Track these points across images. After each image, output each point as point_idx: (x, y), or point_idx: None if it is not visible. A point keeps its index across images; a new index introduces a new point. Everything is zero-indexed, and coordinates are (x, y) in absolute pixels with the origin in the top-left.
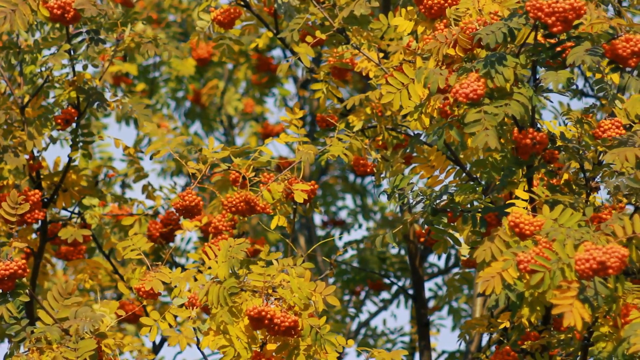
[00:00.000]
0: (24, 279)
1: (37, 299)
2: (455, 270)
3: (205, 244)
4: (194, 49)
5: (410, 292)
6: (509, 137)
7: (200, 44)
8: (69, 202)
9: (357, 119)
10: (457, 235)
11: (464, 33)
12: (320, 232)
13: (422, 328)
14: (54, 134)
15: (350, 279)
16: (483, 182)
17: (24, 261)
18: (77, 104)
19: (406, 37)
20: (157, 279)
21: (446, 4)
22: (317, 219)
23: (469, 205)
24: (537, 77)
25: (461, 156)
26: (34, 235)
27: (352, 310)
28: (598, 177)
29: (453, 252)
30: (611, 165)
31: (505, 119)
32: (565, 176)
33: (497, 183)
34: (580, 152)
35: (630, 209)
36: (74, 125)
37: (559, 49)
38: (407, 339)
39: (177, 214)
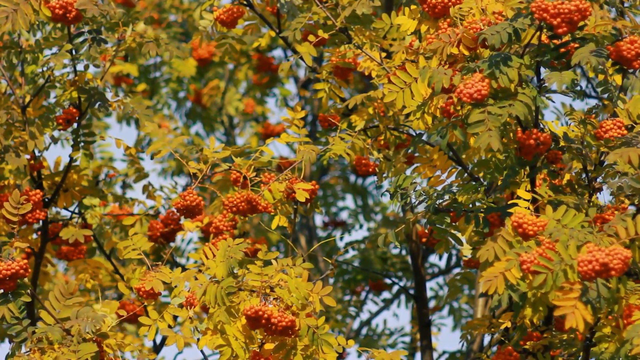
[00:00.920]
0: (26, 279)
1: (38, 299)
2: (457, 270)
3: (206, 244)
4: (195, 49)
5: (412, 291)
6: (512, 137)
7: (201, 44)
8: (69, 202)
9: (359, 118)
10: (459, 235)
11: (468, 32)
12: (321, 233)
13: (424, 328)
14: (55, 134)
15: (351, 279)
16: (485, 182)
17: (25, 261)
18: (78, 104)
19: (408, 36)
20: (157, 279)
21: (450, 3)
22: (318, 219)
23: (471, 205)
24: (541, 77)
25: (463, 156)
26: (34, 235)
27: (353, 310)
28: (600, 177)
29: (454, 252)
30: (614, 166)
31: (509, 119)
32: (568, 176)
33: (500, 183)
34: (583, 152)
35: (632, 209)
36: (75, 125)
37: (563, 50)
38: (407, 339)
39: (178, 214)
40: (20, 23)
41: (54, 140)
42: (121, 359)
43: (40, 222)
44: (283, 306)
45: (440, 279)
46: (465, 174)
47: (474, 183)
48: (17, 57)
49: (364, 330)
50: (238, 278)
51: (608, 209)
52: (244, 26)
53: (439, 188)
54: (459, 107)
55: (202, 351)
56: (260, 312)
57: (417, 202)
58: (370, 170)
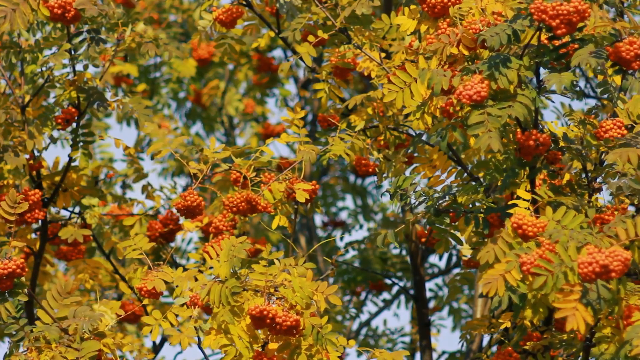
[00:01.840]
0: (23, 279)
1: (36, 298)
2: (456, 270)
3: (206, 244)
4: (194, 49)
5: (411, 292)
6: (512, 138)
7: (200, 44)
8: (69, 202)
9: (358, 118)
10: (458, 235)
11: (467, 32)
12: (321, 233)
13: (423, 328)
14: (55, 134)
15: (351, 279)
16: (485, 183)
17: (22, 260)
18: (77, 103)
19: (408, 37)
20: (159, 279)
21: (449, 3)
22: (318, 219)
23: (470, 206)
24: (541, 78)
25: (462, 156)
26: (33, 235)
27: (352, 311)
28: (600, 177)
29: (454, 252)
30: (614, 166)
31: (508, 120)
32: (567, 177)
33: (500, 184)
34: (583, 152)
35: (632, 210)
36: (74, 125)
37: (562, 51)
38: (407, 339)
39: (178, 214)
40: (19, 23)
41: (53, 140)
42: (119, 359)
43: (40, 222)
44: (287, 306)
45: (439, 280)
46: (465, 174)
47: (473, 183)
48: (17, 57)
49: (364, 331)
50: (242, 278)
51: (608, 209)
52: (244, 26)
53: (439, 188)
54: (458, 108)
55: (202, 351)
56: (265, 312)
57: (416, 203)
58: (370, 170)
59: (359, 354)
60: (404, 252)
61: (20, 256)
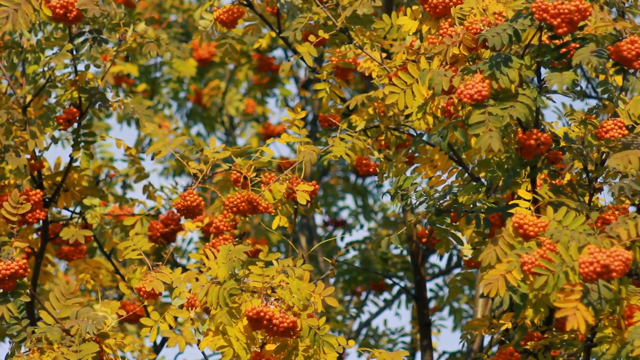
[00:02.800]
0: (25, 279)
1: (38, 299)
2: (457, 270)
3: (206, 244)
4: (195, 49)
5: (412, 292)
6: (513, 138)
7: (201, 44)
8: (70, 202)
9: (359, 118)
10: (459, 235)
11: (468, 32)
12: (321, 233)
13: (424, 328)
14: (56, 134)
15: (351, 279)
16: (486, 183)
17: (25, 261)
18: (78, 103)
19: (409, 37)
20: (158, 280)
21: (451, 3)
22: (318, 219)
23: (471, 206)
24: (542, 78)
25: (463, 156)
26: (35, 235)
27: (353, 311)
28: (601, 177)
29: (454, 252)
30: (615, 167)
31: (510, 120)
32: (568, 176)
33: (501, 184)
34: (584, 152)
35: (633, 210)
36: (75, 125)
37: (563, 50)
38: (407, 339)
39: (179, 214)
40: (21, 23)
41: (55, 140)
42: (121, 359)
43: (41, 222)
44: (284, 307)
45: (440, 280)
46: (466, 174)
47: (474, 183)
48: (18, 56)
49: (364, 331)
50: (240, 279)
51: (609, 209)
52: (245, 27)
53: (440, 188)
54: (459, 108)
55: (202, 352)
56: (262, 313)
57: (417, 203)
58: (371, 170)
59: (359, 354)
60: (404, 252)
61: (21, 256)
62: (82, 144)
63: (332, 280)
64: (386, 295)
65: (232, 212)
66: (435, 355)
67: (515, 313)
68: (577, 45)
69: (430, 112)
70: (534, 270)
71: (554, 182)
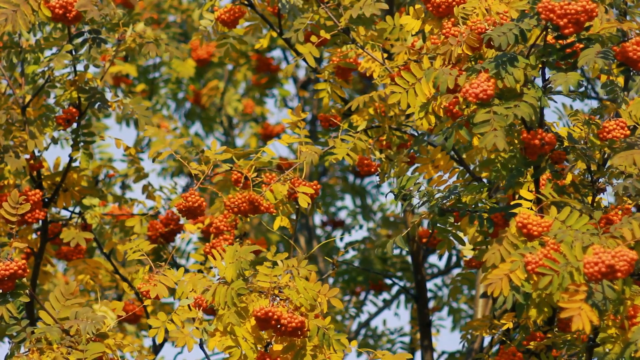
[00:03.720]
0: (24, 279)
1: (37, 299)
2: (456, 270)
3: (207, 244)
4: (194, 49)
5: (412, 292)
6: (517, 137)
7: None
8: (69, 202)
9: (360, 119)
10: (461, 235)
11: (473, 32)
12: (320, 233)
13: (424, 328)
14: (55, 134)
15: (350, 279)
16: (487, 182)
17: (24, 261)
18: (78, 103)
19: (410, 37)
20: (161, 284)
21: (454, 3)
22: (317, 219)
23: (473, 206)
24: (547, 78)
25: (464, 156)
26: (34, 236)
27: (352, 311)
28: (604, 178)
29: (454, 252)
30: (618, 166)
31: (514, 120)
32: (570, 177)
33: (504, 183)
34: (587, 153)
35: (635, 211)
36: (75, 125)
37: (569, 50)
38: (407, 339)
39: (179, 215)
40: (20, 24)
41: (54, 140)
42: (120, 359)
43: (40, 222)
44: (292, 307)
45: (439, 280)
46: (467, 174)
47: (476, 183)
48: (17, 57)
49: (363, 331)
50: (247, 279)
51: (612, 209)
52: (245, 27)
53: (442, 188)
54: (464, 107)
55: (204, 351)
56: (270, 313)
57: (420, 203)
58: (373, 170)
59: (359, 354)
60: (404, 252)
61: (20, 256)
62: (82, 143)
63: (331, 281)
64: (385, 295)
65: (233, 213)
66: (434, 355)
67: (517, 313)
68: (582, 46)
69: (432, 112)
70: (538, 270)
71: (557, 182)
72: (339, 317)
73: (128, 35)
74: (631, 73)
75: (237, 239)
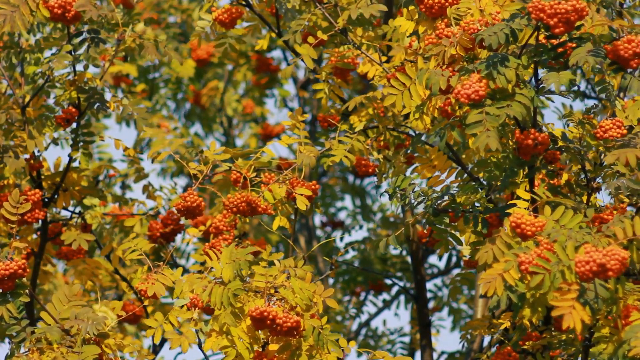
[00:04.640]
0: (24, 279)
1: (38, 299)
2: (456, 270)
3: (206, 244)
4: (193, 49)
5: (412, 292)
6: (511, 138)
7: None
8: (69, 202)
9: (358, 119)
10: (458, 235)
11: (466, 33)
12: (319, 233)
13: (424, 328)
14: (55, 134)
15: (350, 279)
16: (485, 183)
17: (24, 261)
18: (77, 103)
19: (407, 38)
20: (159, 283)
21: (447, 4)
22: (317, 219)
23: (469, 207)
24: (539, 78)
25: (463, 156)
26: (34, 236)
27: (352, 311)
28: (599, 177)
29: (454, 252)
30: (612, 166)
31: (507, 120)
32: (566, 176)
33: (499, 184)
34: (582, 152)
35: (631, 210)
36: (74, 125)
37: (560, 50)
38: (406, 339)
39: (179, 215)
40: (19, 24)
41: (55, 141)
42: (120, 359)
43: (40, 221)
44: (288, 307)
45: (438, 280)
46: (465, 174)
47: (473, 183)
48: (17, 57)
49: (363, 331)
50: (244, 279)
51: (607, 209)
52: (245, 27)
53: (438, 188)
54: (457, 108)
55: (203, 352)
56: (266, 313)
57: (416, 203)
58: (370, 170)
59: (359, 354)
60: (403, 253)
61: (21, 256)
62: (81, 143)
63: (331, 281)
64: (385, 295)
65: (232, 213)
66: (434, 355)
67: (513, 313)
68: (574, 45)
69: (427, 113)
70: (531, 270)
71: (552, 182)
72: (339, 318)
73: (127, 35)
74: (623, 72)
75: (237, 239)
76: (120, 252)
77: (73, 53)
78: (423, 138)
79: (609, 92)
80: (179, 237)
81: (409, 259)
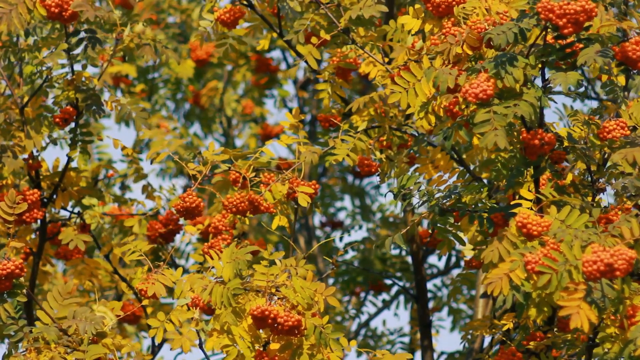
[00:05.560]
0: (22, 279)
1: (36, 299)
2: (456, 271)
3: (205, 244)
4: (193, 50)
5: (412, 292)
6: (517, 137)
7: (199, 45)
8: (67, 202)
9: (360, 119)
10: (461, 235)
11: (472, 31)
12: (319, 233)
13: (424, 328)
14: (55, 134)
15: (350, 279)
16: (487, 182)
17: (21, 261)
18: (75, 103)
19: (410, 38)
20: (159, 283)
21: (454, 2)
22: (317, 219)
23: (473, 206)
24: (546, 78)
25: (464, 156)
26: (33, 236)
27: (352, 311)
28: (604, 178)
29: (454, 253)
30: (618, 166)
31: (513, 120)
32: (571, 176)
33: (504, 183)
34: (587, 153)
35: (635, 210)
36: (72, 124)
37: (568, 50)
38: (406, 339)
39: (178, 215)
40: (16, 23)
41: (53, 141)
42: None
43: (39, 221)
44: (289, 306)
45: (439, 280)
46: (467, 175)
47: (476, 183)
48: (15, 56)
49: (363, 332)
50: (244, 279)
51: (612, 209)
52: (246, 28)
53: (442, 188)
54: (463, 107)
55: (204, 352)
56: (267, 312)
57: (420, 203)
58: (373, 170)
59: (359, 354)
60: (403, 253)
61: (19, 256)
62: (79, 143)
63: (331, 281)
64: (385, 295)
65: (232, 213)
66: (434, 355)
67: (517, 313)
68: (582, 46)
69: (432, 112)
70: (537, 269)
71: (558, 182)
72: (338, 318)
73: (125, 35)
74: (631, 73)
75: (236, 239)
76: (119, 253)
77: (70, 52)
78: (425, 138)
79: (616, 93)
80: (178, 238)
81: (408, 259)
